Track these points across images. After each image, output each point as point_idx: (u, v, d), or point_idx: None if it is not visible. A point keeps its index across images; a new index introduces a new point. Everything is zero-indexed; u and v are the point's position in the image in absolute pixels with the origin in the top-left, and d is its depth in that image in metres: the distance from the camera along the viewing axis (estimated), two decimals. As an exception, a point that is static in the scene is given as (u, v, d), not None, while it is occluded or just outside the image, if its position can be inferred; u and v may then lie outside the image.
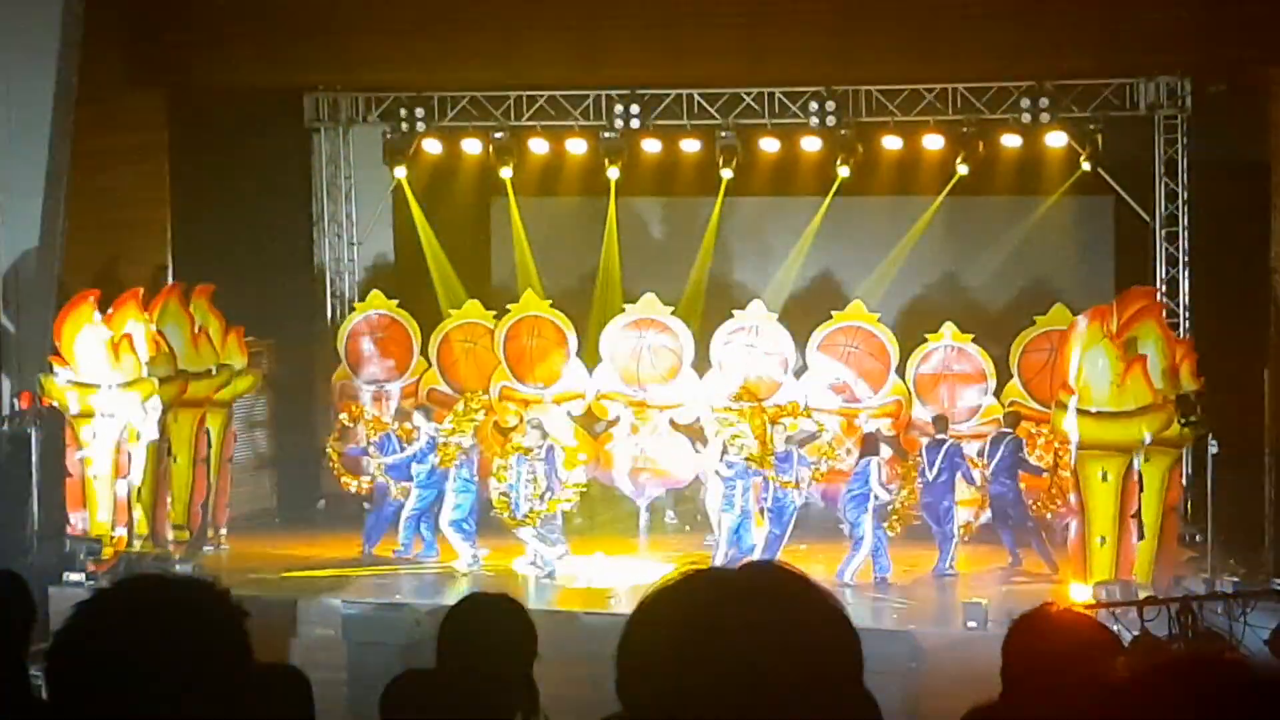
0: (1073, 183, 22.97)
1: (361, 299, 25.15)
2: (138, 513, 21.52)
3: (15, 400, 21.52)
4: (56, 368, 21.22)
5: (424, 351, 24.35)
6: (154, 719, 2.80)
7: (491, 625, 5.22)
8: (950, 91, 22.76)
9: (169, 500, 22.05)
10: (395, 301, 24.60)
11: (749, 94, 23.38)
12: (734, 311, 23.40)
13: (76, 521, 21.31)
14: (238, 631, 2.92)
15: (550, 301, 24.06)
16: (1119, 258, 23.83)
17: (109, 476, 21.43)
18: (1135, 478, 19.47)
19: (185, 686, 2.81)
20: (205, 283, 22.61)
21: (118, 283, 22.02)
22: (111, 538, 21.20)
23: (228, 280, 22.91)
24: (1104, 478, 19.48)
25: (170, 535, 22.10)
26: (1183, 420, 19.79)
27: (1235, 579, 19.70)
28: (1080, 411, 19.41)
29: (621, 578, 20.90)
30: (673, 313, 23.73)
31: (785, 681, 2.50)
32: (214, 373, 22.34)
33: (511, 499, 21.13)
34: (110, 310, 21.36)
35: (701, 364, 23.41)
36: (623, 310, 23.85)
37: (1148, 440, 19.35)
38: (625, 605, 19.54)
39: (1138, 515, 19.48)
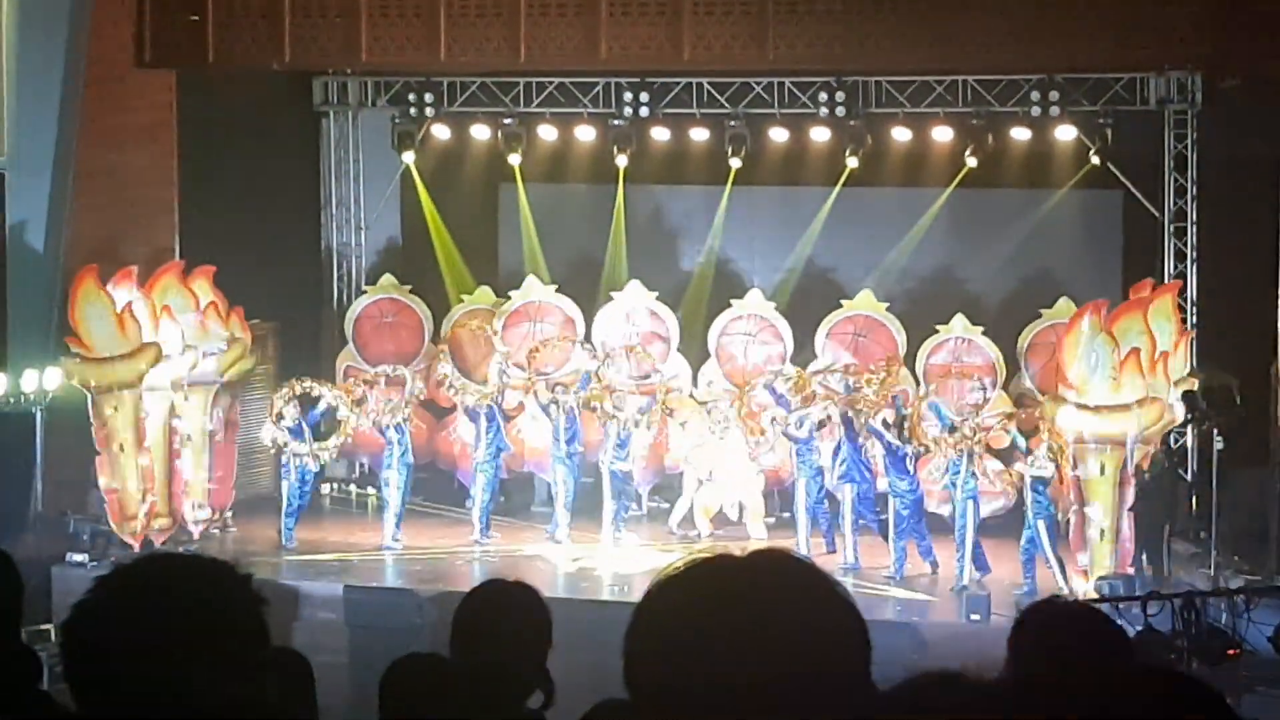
0: (1082, 177, 22.94)
1: (369, 283, 25.16)
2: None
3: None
4: (73, 348, 21.20)
5: (435, 337, 24.35)
6: (168, 696, 2.79)
7: (510, 612, 5.21)
8: (960, 83, 22.73)
9: (185, 479, 22.14)
10: (408, 287, 24.62)
11: (758, 83, 23.36)
12: (732, 301, 23.44)
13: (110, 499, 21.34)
14: (256, 614, 2.92)
15: (556, 286, 24.09)
16: (1127, 252, 23.78)
17: (133, 451, 21.47)
18: (1130, 470, 19.52)
19: (201, 665, 2.81)
20: (211, 264, 22.59)
21: (123, 261, 22.03)
22: (140, 513, 21.26)
23: (234, 262, 22.87)
24: (1102, 471, 19.52)
25: (191, 515, 22.21)
26: (1187, 416, 19.78)
27: (1239, 575, 19.71)
28: (1079, 405, 19.42)
29: (620, 565, 20.92)
30: (675, 301, 23.83)
31: (794, 669, 2.49)
32: (224, 349, 22.35)
33: None
34: (110, 285, 21.41)
35: (703, 352, 23.46)
36: (609, 299, 23.90)
37: (1141, 432, 19.42)
38: (624, 592, 19.56)
39: (1134, 508, 19.54)
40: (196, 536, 21.87)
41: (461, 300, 24.50)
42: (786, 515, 22.16)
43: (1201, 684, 2.52)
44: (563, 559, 21.51)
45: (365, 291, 24.97)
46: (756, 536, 21.88)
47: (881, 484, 20.96)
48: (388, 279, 24.69)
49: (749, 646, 2.48)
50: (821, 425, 21.29)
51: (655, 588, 2.60)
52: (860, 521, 20.93)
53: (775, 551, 2.65)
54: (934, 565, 20.44)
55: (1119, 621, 16.76)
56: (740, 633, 2.49)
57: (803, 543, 20.81)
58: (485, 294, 24.40)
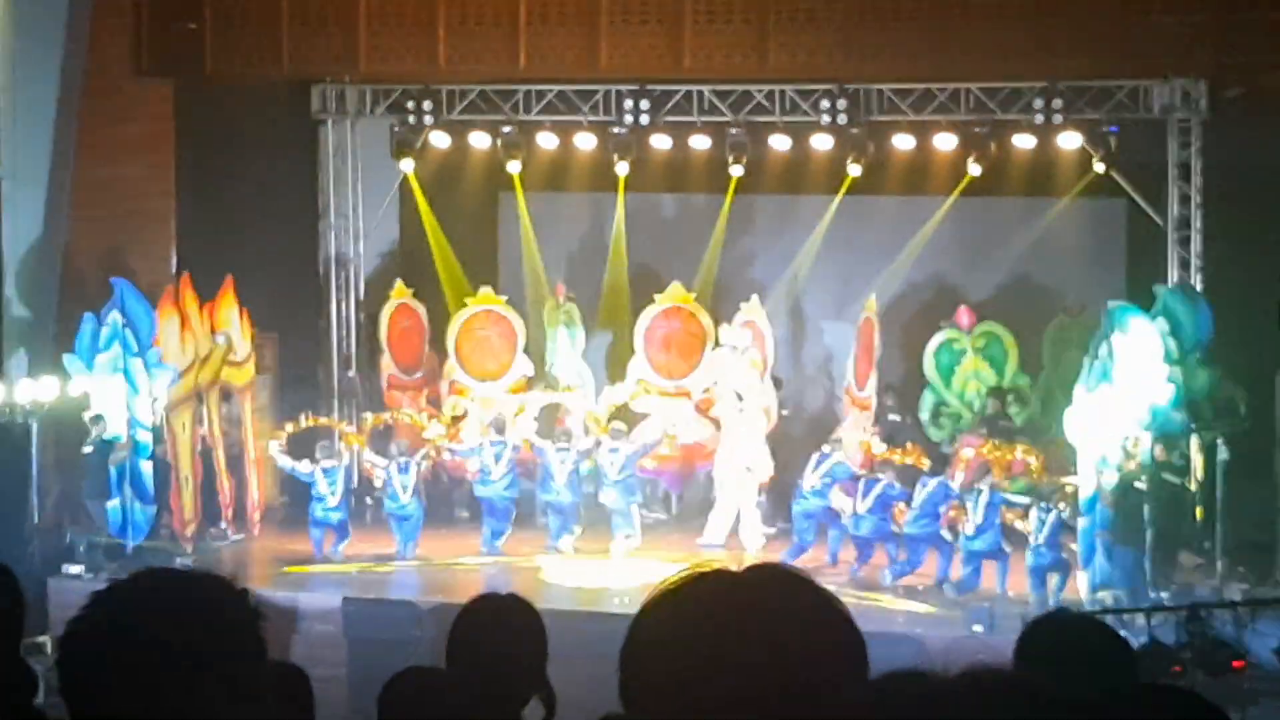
0: (1085, 185, 22.88)
1: (368, 293, 25.29)
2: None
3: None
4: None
5: (434, 343, 24.47)
6: (164, 712, 2.78)
7: (504, 625, 5.18)
8: (963, 91, 22.66)
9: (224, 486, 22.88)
10: (411, 291, 24.75)
11: (759, 91, 23.28)
12: (741, 304, 23.48)
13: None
14: (253, 629, 2.91)
15: (507, 298, 24.33)
16: (1131, 261, 23.76)
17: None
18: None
19: (198, 681, 2.79)
20: (209, 273, 22.72)
21: (122, 272, 22.00)
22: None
23: (233, 272, 22.92)
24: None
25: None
26: (1191, 426, 19.70)
27: (1244, 586, 19.65)
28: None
29: (623, 577, 20.87)
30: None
31: (790, 684, 2.46)
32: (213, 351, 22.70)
33: None
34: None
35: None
36: (653, 301, 24.04)
37: None
38: (626, 605, 19.47)
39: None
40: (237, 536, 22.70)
41: (464, 304, 24.49)
42: (785, 526, 22.19)
43: (1202, 699, 2.44)
44: (564, 570, 21.43)
45: (388, 298, 25.04)
46: (752, 548, 21.95)
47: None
48: (399, 285, 24.78)
49: (745, 661, 2.45)
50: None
51: (651, 602, 2.58)
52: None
53: (772, 566, 2.62)
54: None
55: (1122, 633, 16.73)
56: (736, 647, 2.46)
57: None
58: (488, 295, 24.41)
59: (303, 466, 22.08)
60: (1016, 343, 22.99)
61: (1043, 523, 19.68)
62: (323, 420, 23.28)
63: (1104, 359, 19.69)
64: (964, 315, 23.18)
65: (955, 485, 20.62)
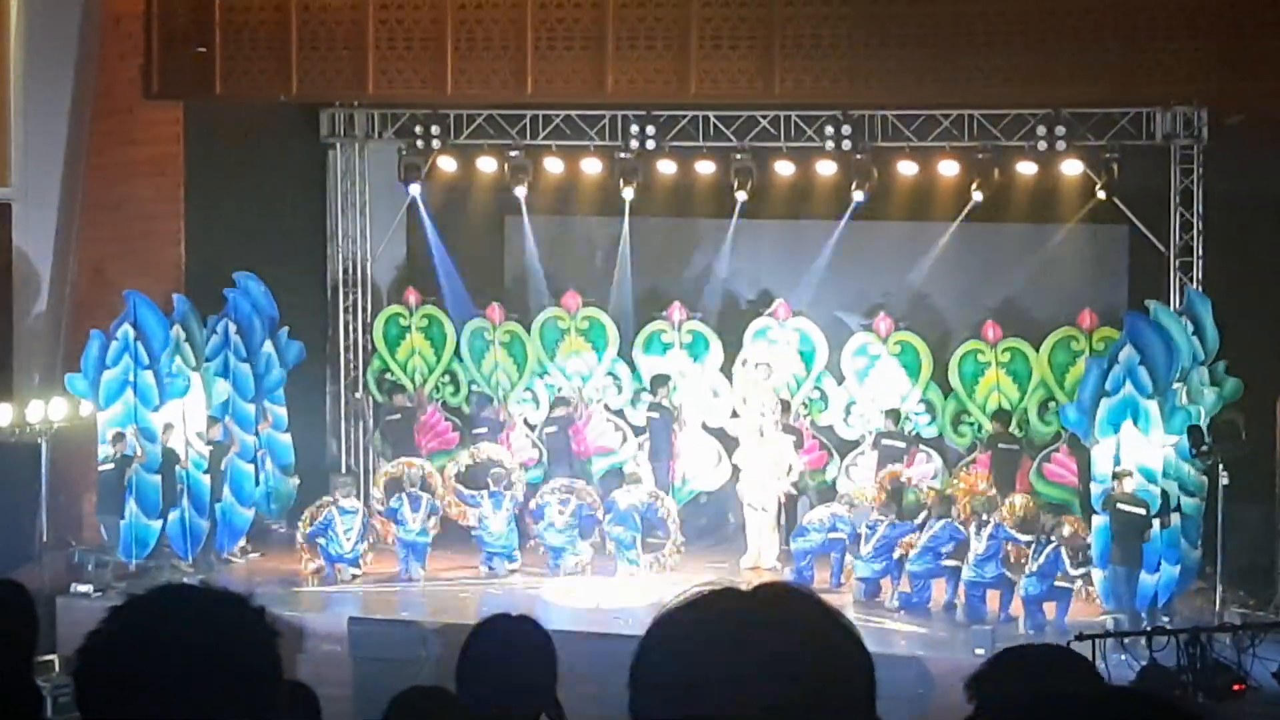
0: (1088, 211, 22.89)
1: (374, 315, 25.34)
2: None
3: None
4: None
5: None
6: None
7: (515, 645, 5.22)
8: (966, 117, 22.69)
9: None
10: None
11: (764, 116, 23.34)
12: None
13: None
14: (270, 648, 2.92)
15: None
16: (1133, 287, 23.71)
17: None
18: None
19: (215, 698, 2.81)
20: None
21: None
22: None
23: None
24: None
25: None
26: (1192, 450, 19.75)
27: (1244, 611, 19.68)
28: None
29: (627, 597, 20.89)
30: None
31: (799, 704, 2.48)
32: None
33: None
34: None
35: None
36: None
37: None
38: (632, 625, 19.51)
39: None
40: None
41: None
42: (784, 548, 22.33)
43: (1176, 706, 2.49)
44: (568, 592, 21.47)
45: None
46: (768, 562, 22.10)
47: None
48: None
49: (754, 679, 2.47)
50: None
51: (661, 619, 2.60)
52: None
53: (780, 585, 2.64)
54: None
55: (1123, 656, 16.80)
56: (745, 666, 2.48)
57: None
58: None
59: (321, 506, 22.23)
60: (1045, 360, 22.99)
61: (1039, 553, 19.79)
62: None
63: (1124, 365, 19.84)
64: (990, 329, 23.22)
65: (958, 522, 20.72)
